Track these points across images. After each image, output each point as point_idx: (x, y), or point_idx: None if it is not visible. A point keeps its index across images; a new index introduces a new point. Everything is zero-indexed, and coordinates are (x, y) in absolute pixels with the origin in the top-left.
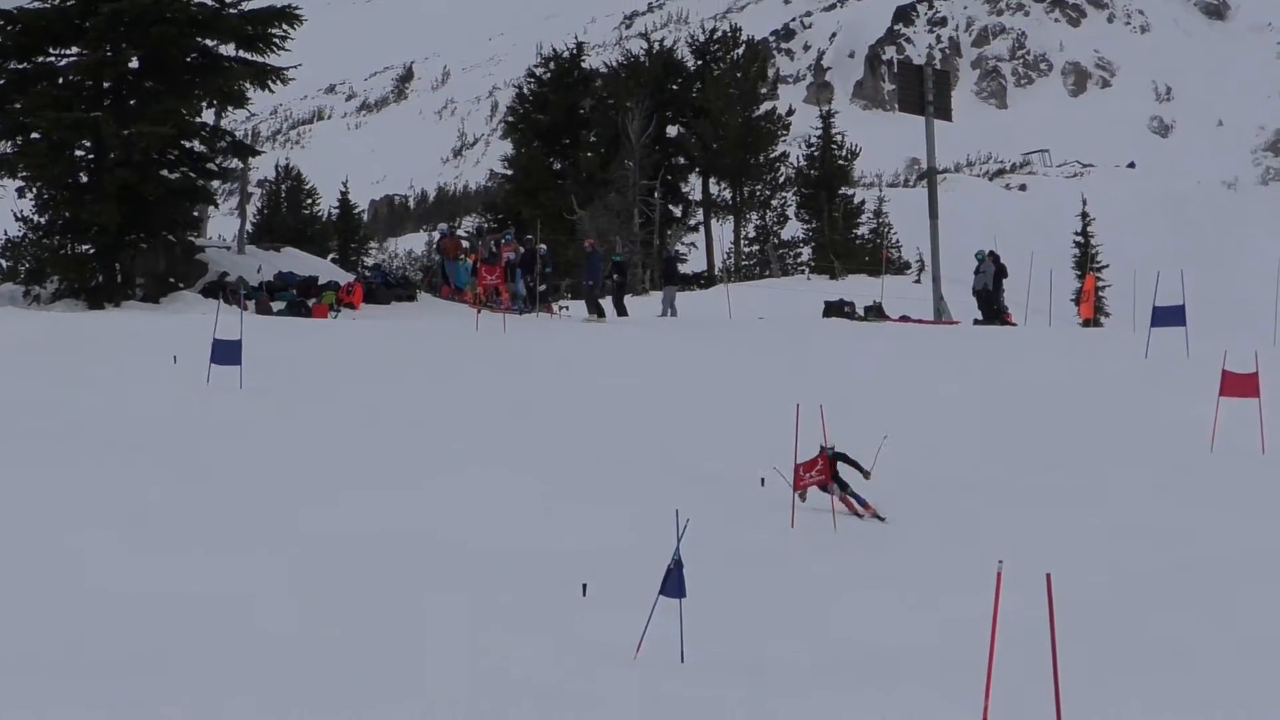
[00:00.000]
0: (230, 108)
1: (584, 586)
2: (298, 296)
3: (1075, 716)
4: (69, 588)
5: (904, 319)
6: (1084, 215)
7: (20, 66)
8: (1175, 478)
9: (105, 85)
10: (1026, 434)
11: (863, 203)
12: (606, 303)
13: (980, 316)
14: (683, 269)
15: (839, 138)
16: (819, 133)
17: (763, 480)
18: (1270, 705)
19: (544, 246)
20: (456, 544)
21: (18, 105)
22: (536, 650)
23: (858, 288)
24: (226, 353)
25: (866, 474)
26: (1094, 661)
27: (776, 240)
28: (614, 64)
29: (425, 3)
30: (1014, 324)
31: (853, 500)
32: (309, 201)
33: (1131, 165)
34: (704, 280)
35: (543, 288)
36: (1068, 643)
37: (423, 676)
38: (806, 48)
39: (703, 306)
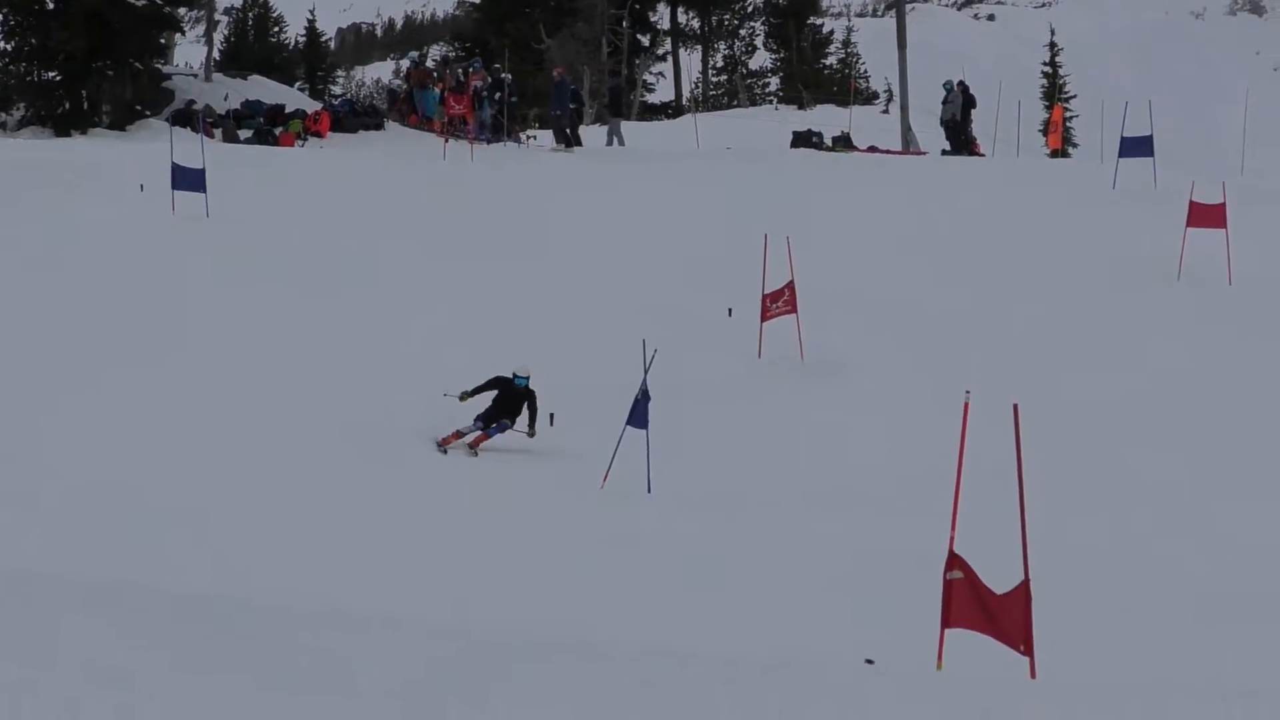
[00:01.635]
0: None
1: (551, 416)
2: (264, 125)
3: (1042, 544)
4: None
5: (872, 149)
6: (1052, 46)
7: None
8: (1142, 308)
9: None
10: (993, 264)
11: (831, 32)
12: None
13: (948, 147)
14: (651, 99)
15: None
16: None
17: (730, 311)
18: (1235, 532)
19: (509, 75)
20: (421, 378)
21: None
22: (506, 479)
23: (826, 118)
24: (189, 180)
25: None
26: (1062, 490)
27: (744, 70)
28: None
29: None
30: (982, 154)
31: None
32: (276, 30)
33: None
34: (671, 110)
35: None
36: (1035, 472)
37: (396, 509)
38: None
39: (670, 137)
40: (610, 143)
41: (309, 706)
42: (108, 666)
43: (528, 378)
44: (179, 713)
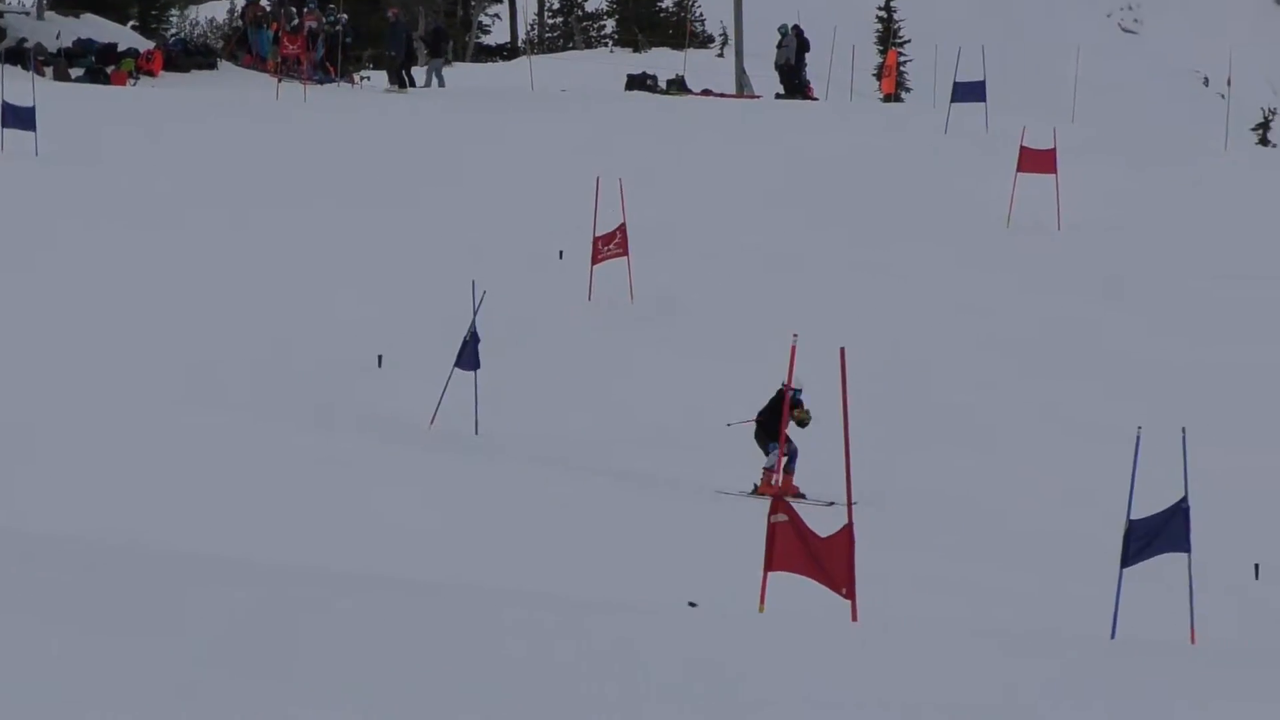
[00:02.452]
0: None
1: (379, 358)
2: (97, 64)
3: (868, 481)
4: None
5: (706, 92)
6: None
7: None
8: (973, 252)
9: None
10: (824, 208)
11: None
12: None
13: (782, 91)
14: (487, 40)
15: None
16: None
17: (561, 253)
18: (1049, 474)
19: (345, 16)
20: (247, 319)
21: None
22: (336, 422)
23: (661, 61)
24: (19, 118)
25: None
26: (887, 431)
27: (580, 13)
28: None
29: None
30: (815, 99)
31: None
32: None
33: None
34: (507, 52)
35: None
36: (862, 413)
37: (215, 450)
38: None
39: (505, 79)
40: (429, 83)
41: (133, 648)
42: None
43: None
44: None
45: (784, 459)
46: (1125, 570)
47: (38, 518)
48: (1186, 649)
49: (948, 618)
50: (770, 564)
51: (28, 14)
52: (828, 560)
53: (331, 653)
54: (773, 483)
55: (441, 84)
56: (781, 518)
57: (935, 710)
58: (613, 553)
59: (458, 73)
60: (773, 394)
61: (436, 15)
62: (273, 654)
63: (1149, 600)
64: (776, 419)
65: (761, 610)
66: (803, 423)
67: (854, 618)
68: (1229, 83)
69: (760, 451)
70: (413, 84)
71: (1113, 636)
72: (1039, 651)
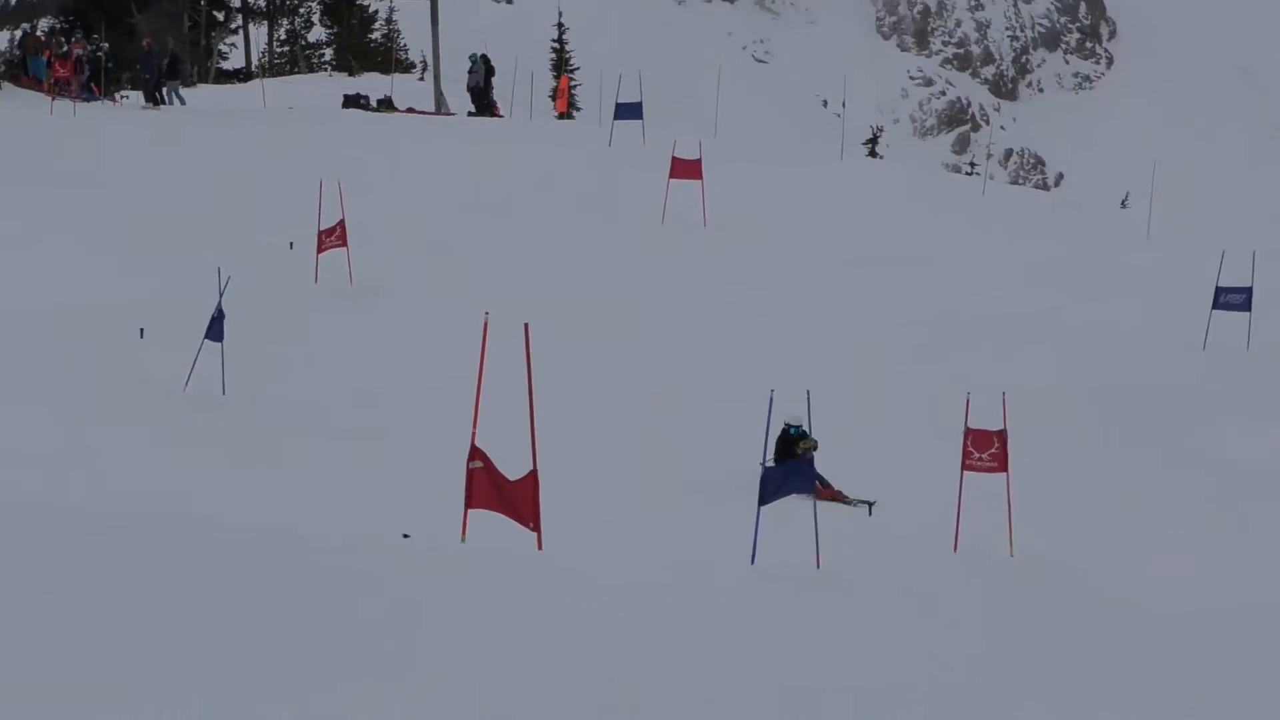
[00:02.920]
0: None
1: (141, 330)
2: None
3: (549, 440)
4: None
5: (410, 110)
6: (559, 25)
7: None
8: (634, 244)
9: None
10: (511, 207)
11: (376, 11)
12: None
13: (473, 109)
14: (225, 66)
15: None
16: None
17: (291, 244)
18: (717, 432)
19: (106, 44)
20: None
21: None
22: (91, 378)
23: (372, 84)
24: None
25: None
26: (565, 395)
27: (304, 42)
28: None
29: None
30: (501, 115)
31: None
32: None
33: None
34: (242, 76)
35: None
36: (545, 380)
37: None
38: None
39: (242, 99)
40: (170, 101)
41: None
42: None
43: (799, 426)
44: None
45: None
46: (762, 509)
47: None
48: (813, 573)
49: (624, 550)
50: (469, 502)
51: None
52: (517, 499)
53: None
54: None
55: (182, 102)
56: (478, 464)
57: (609, 626)
58: (338, 491)
59: (200, 93)
60: (779, 434)
61: (179, 44)
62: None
63: (782, 533)
64: (787, 456)
65: (463, 540)
66: (808, 451)
67: (539, 547)
68: (844, 105)
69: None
70: (165, 102)
71: (752, 563)
72: (689, 579)
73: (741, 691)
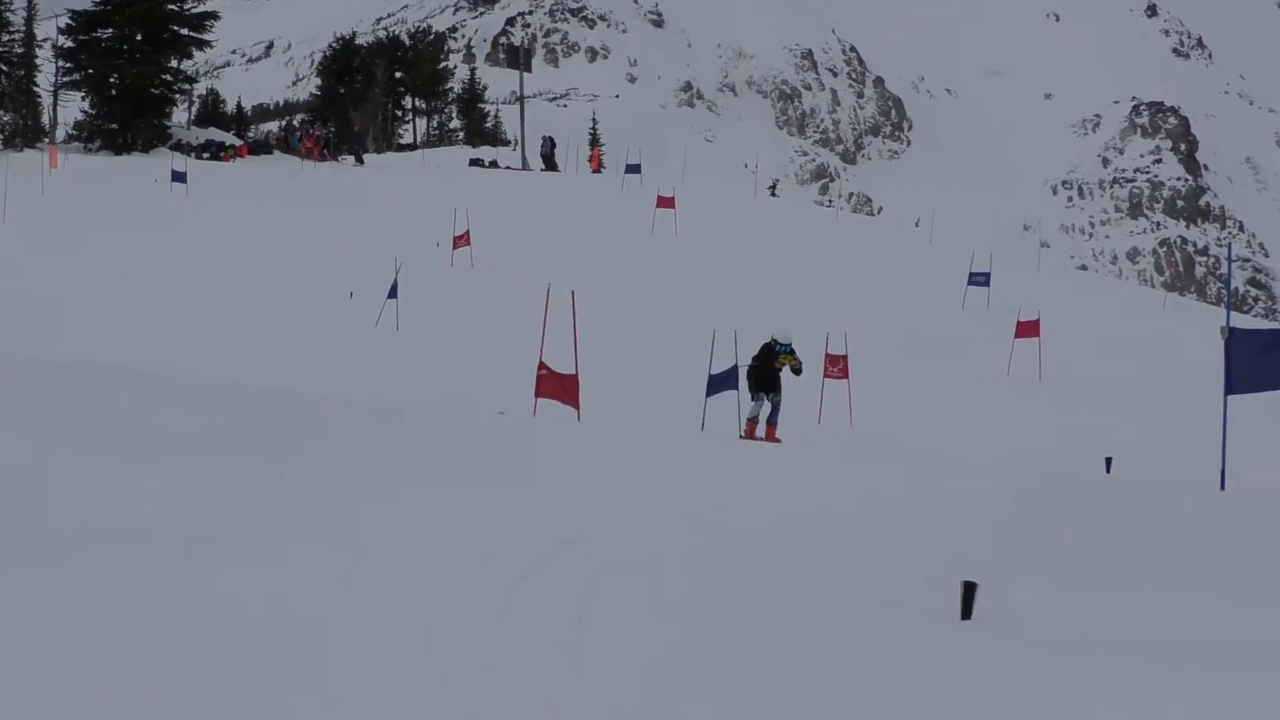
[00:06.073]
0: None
1: (351, 293)
2: (215, 153)
3: (588, 358)
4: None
5: (508, 167)
6: (594, 120)
7: None
8: (632, 247)
9: None
10: (561, 221)
11: (489, 110)
12: None
13: (544, 168)
14: (401, 140)
15: None
16: None
17: (438, 244)
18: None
19: (333, 129)
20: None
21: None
22: (331, 322)
23: (485, 152)
24: (179, 177)
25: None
26: (597, 331)
27: (447, 127)
28: None
29: None
30: (560, 171)
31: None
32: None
33: None
34: (411, 147)
35: None
36: (587, 325)
37: None
38: None
39: (409, 160)
40: (360, 161)
41: None
42: None
43: (787, 345)
44: None
45: (769, 410)
46: (709, 397)
47: None
48: (736, 441)
49: (624, 419)
50: (538, 393)
51: (185, 128)
52: (567, 390)
53: None
54: (757, 434)
55: (362, 163)
56: (543, 372)
57: (603, 462)
58: (470, 386)
59: (386, 157)
60: (764, 345)
61: (375, 130)
62: None
63: (725, 414)
64: (767, 368)
65: (534, 415)
66: (797, 370)
67: (579, 419)
68: (757, 166)
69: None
70: (362, 163)
71: (701, 429)
72: (658, 438)
73: (667, 515)
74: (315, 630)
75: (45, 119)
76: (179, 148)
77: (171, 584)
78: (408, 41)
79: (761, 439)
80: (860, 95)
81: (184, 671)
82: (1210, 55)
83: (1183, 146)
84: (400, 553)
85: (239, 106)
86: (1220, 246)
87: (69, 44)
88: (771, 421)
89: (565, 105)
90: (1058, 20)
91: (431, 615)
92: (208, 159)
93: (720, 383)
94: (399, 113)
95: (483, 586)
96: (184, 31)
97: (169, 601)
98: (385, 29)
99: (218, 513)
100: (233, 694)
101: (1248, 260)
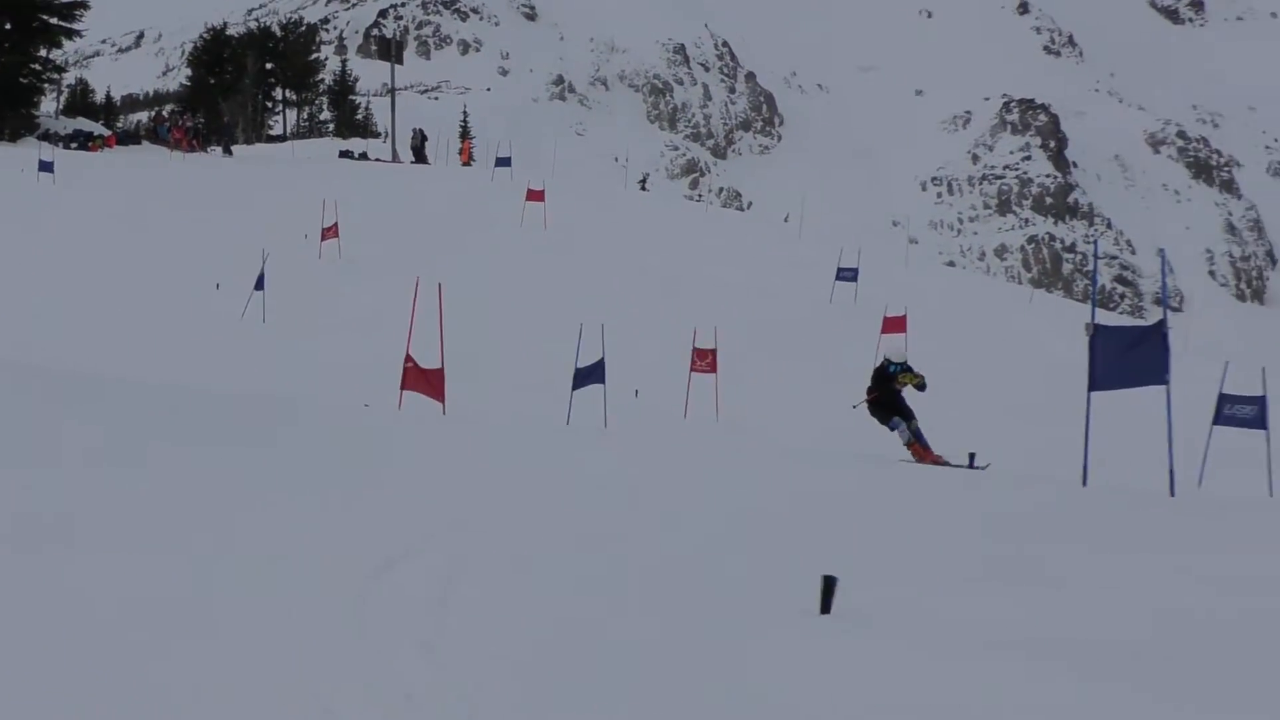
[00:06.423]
0: None
1: (218, 284)
2: (83, 142)
3: (457, 345)
4: None
5: (377, 159)
6: (465, 113)
7: None
8: (504, 240)
9: None
10: (430, 213)
11: (360, 102)
12: None
13: (414, 160)
14: (271, 132)
15: None
16: None
17: (305, 236)
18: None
19: (202, 119)
20: None
21: None
22: (193, 314)
23: (355, 144)
24: (46, 167)
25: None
26: (464, 317)
27: (318, 119)
28: None
29: None
30: (430, 164)
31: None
32: None
33: None
34: (281, 139)
35: None
36: (454, 314)
37: None
38: None
39: (279, 152)
40: (230, 153)
41: None
42: None
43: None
44: None
45: (910, 425)
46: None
47: None
48: (601, 429)
49: (486, 413)
50: (404, 385)
51: (53, 117)
52: (432, 383)
53: None
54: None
55: (231, 154)
56: (409, 364)
57: (468, 454)
58: (330, 379)
59: (256, 149)
60: (876, 369)
61: (245, 121)
62: None
63: (590, 408)
64: (886, 392)
65: (400, 408)
66: (920, 387)
67: (443, 412)
68: (628, 160)
69: (881, 424)
70: (231, 154)
71: (567, 423)
72: (523, 430)
73: (530, 509)
74: (163, 633)
75: None
76: (47, 137)
77: (3, 585)
78: (279, 33)
79: (936, 455)
80: (732, 90)
81: (26, 676)
82: (1081, 53)
83: (1052, 144)
84: (257, 548)
85: (108, 96)
86: (1087, 243)
87: None
88: (923, 444)
89: (437, 98)
90: (930, 17)
91: (287, 614)
92: (75, 149)
93: (587, 376)
94: (269, 104)
95: (341, 583)
96: (53, 21)
97: (10, 599)
98: (257, 20)
99: (63, 510)
100: (75, 700)
101: (1114, 257)
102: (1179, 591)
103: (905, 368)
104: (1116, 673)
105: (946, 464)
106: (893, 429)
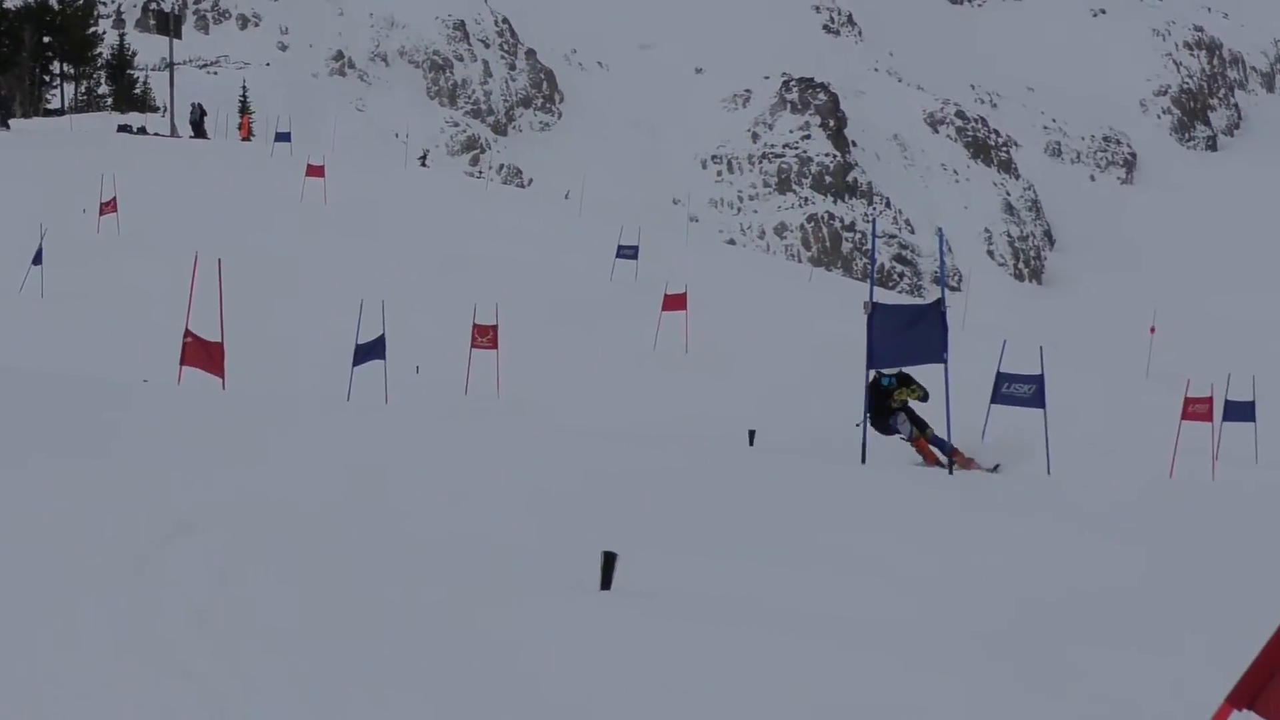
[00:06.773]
0: None
1: None
2: None
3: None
4: None
5: (156, 134)
6: (244, 88)
7: None
8: (283, 210)
9: None
10: (210, 185)
11: (139, 76)
12: None
13: (193, 134)
14: (49, 106)
15: None
16: None
17: (84, 210)
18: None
19: None
20: None
21: None
22: None
23: (134, 119)
24: None
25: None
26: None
27: (96, 93)
28: None
29: None
30: (209, 138)
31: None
32: None
33: None
34: (59, 112)
35: None
36: (235, 279)
37: None
38: None
39: (58, 126)
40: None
41: None
42: None
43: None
44: None
45: (924, 433)
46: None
47: None
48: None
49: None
50: (183, 361)
51: None
52: (213, 358)
53: None
54: (945, 451)
55: (8, 128)
56: (189, 339)
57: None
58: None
59: (34, 122)
60: (868, 385)
61: (21, 93)
62: None
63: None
64: (883, 410)
65: (179, 383)
66: (922, 399)
67: (223, 387)
68: (408, 136)
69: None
70: (8, 127)
71: (348, 398)
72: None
73: (309, 484)
74: None
75: None
76: None
77: None
78: (56, 6)
79: (964, 456)
80: (512, 67)
81: None
82: (860, 32)
83: (831, 123)
84: (26, 527)
85: None
86: (866, 222)
87: None
88: (946, 450)
89: (216, 73)
90: None
91: (59, 592)
92: None
93: (367, 352)
94: (46, 78)
95: (116, 560)
96: None
97: None
98: None
99: None
100: None
101: (894, 236)
102: (927, 565)
103: (902, 381)
104: (875, 644)
105: (975, 466)
106: (893, 429)
